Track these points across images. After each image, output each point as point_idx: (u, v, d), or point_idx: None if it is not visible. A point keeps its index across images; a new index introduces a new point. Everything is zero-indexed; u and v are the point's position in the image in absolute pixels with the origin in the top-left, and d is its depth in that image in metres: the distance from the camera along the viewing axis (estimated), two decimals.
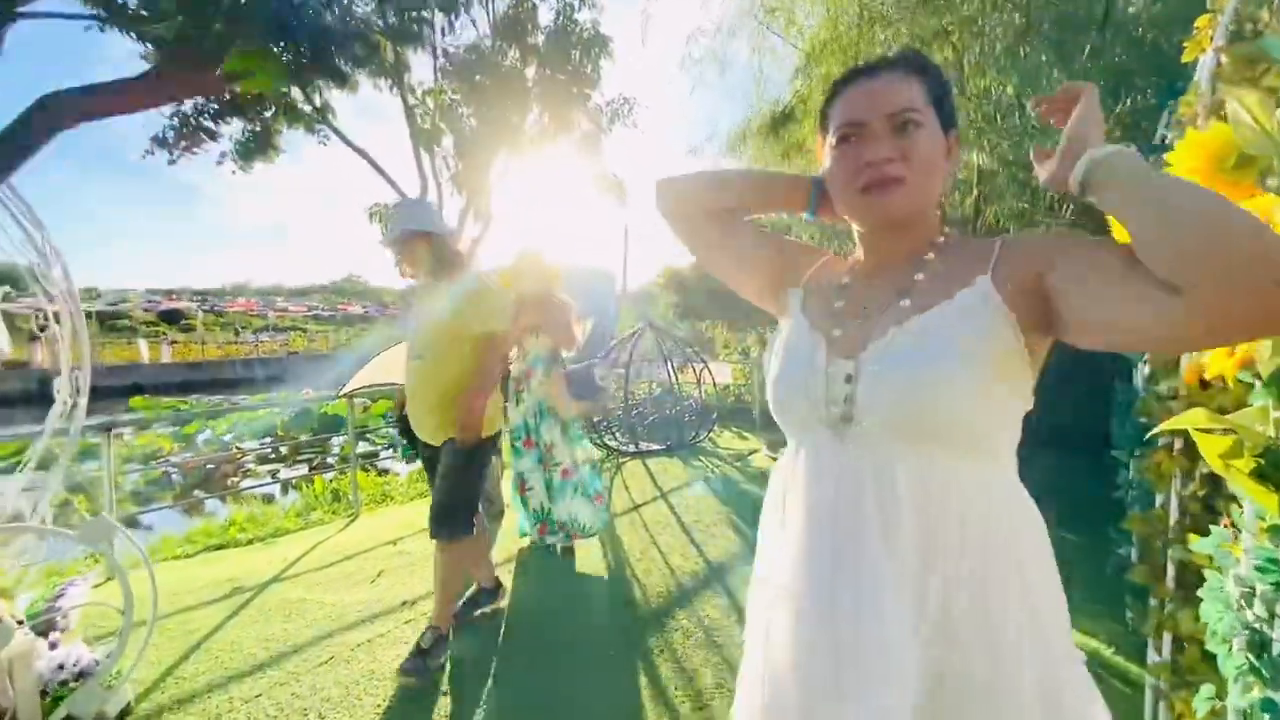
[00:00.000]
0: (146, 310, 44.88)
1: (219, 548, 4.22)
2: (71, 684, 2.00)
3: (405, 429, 2.59)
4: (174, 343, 31.78)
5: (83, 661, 2.08)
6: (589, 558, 3.44)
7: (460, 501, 2.38)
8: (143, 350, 25.08)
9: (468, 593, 2.81)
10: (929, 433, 0.73)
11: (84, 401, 2.33)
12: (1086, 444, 4.80)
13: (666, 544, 3.63)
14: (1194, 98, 1.36)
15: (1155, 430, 1.07)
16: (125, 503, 8.69)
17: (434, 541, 2.39)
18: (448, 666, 2.37)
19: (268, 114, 3.60)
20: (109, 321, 40.17)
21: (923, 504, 0.73)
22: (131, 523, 8.46)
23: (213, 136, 3.29)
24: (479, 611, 2.76)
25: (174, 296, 54.55)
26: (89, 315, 33.52)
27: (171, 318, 44.35)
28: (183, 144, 3.21)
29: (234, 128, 3.59)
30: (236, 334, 33.49)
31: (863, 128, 0.79)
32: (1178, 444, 1.55)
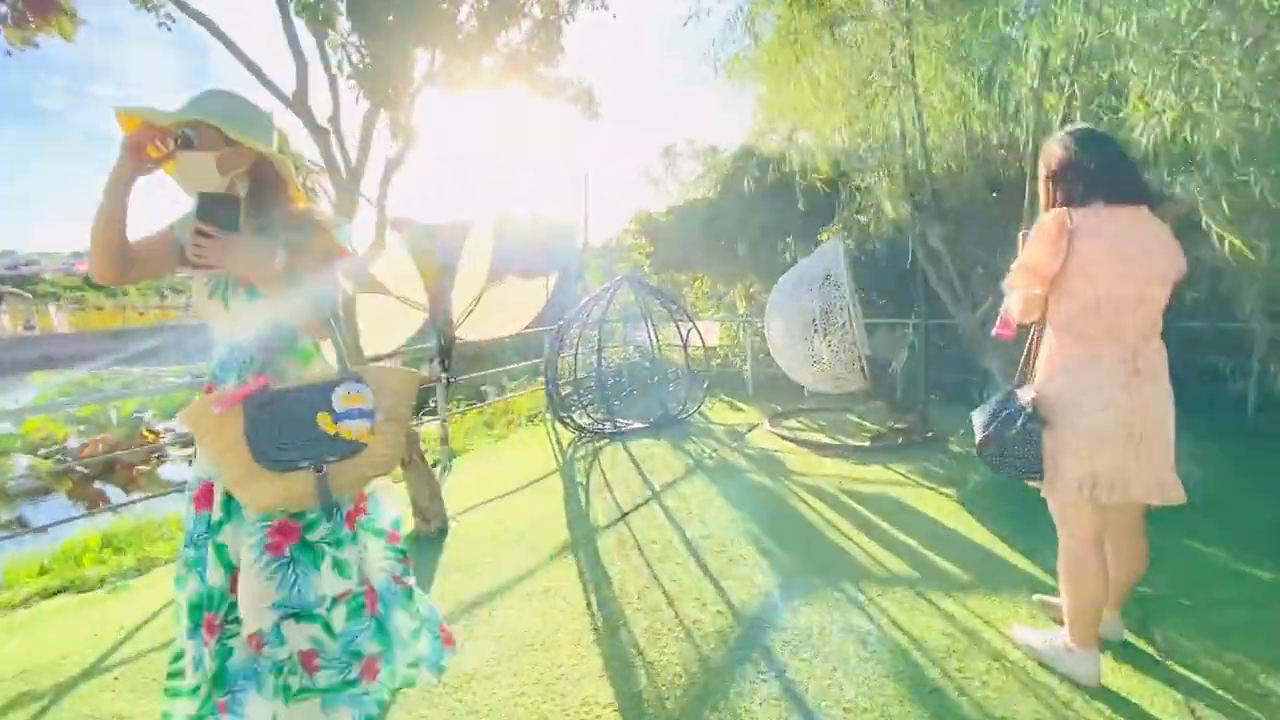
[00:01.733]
0: (68, 274, 41.27)
1: (57, 592, 3.09)
2: None
3: None
4: (99, 308, 29.10)
5: None
6: (565, 600, 2.44)
7: None
8: (54, 317, 22.64)
9: None
10: None
11: None
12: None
13: (672, 580, 2.64)
14: None
15: None
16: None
17: None
18: None
19: None
20: (27, 286, 36.69)
21: None
22: (23, 525, 7.16)
23: None
24: None
25: None
26: None
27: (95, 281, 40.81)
28: None
29: None
30: (163, 297, 30.71)
31: None
32: None
